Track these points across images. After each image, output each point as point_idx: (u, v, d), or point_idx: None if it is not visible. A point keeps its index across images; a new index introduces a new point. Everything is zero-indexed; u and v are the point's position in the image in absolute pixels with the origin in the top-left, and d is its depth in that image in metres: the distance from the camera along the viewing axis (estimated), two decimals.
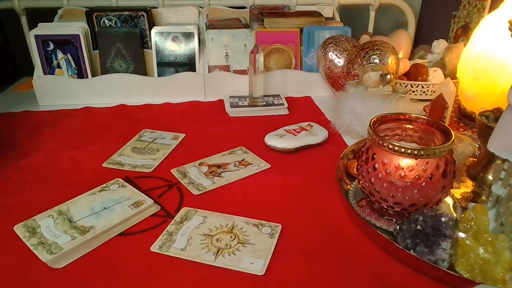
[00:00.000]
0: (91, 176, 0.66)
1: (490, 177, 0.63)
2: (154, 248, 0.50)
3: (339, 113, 0.78)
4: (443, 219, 0.46)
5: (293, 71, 1.02)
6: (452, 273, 0.44)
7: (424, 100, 0.95)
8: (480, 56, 0.77)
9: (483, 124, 0.61)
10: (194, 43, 0.97)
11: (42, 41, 0.92)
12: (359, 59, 0.84)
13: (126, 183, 0.62)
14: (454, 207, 0.57)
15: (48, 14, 1.06)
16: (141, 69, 0.99)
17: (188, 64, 0.99)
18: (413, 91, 0.96)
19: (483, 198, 0.60)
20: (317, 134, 0.76)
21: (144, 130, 0.82)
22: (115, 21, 0.98)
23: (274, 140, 0.74)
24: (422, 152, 0.47)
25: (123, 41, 0.96)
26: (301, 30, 1.00)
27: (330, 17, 1.13)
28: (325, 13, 1.09)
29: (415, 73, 0.97)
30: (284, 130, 0.77)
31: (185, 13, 1.07)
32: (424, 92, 0.96)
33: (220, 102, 0.97)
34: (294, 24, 1.01)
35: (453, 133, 0.50)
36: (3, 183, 0.64)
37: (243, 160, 0.71)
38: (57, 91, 0.94)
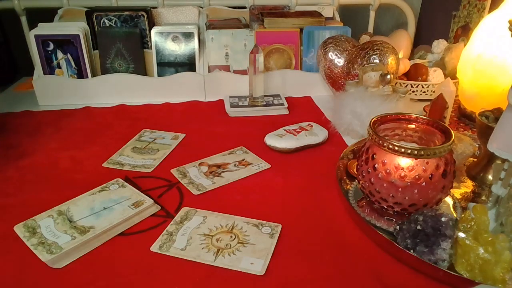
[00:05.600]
0: (91, 176, 0.66)
1: (490, 177, 0.63)
2: (154, 248, 0.50)
3: (339, 113, 0.78)
4: (443, 219, 0.46)
5: (293, 71, 1.02)
6: (452, 273, 0.44)
7: (424, 100, 0.95)
8: (480, 56, 0.77)
9: (483, 124, 0.61)
10: (194, 43, 0.97)
11: (42, 41, 0.92)
12: (359, 59, 0.84)
13: (126, 183, 0.62)
14: (454, 207, 0.57)
15: (48, 14, 1.06)
16: (141, 69, 0.99)
17: (188, 64, 0.99)
18: (413, 91, 0.96)
19: (483, 198, 0.60)
20: (317, 134, 0.76)
21: (144, 130, 0.82)
22: (115, 21, 0.98)
23: (274, 140, 0.74)
24: (422, 152, 0.47)
25: (123, 41, 0.96)
26: (301, 30, 1.00)
27: (330, 17, 1.13)
28: (325, 13, 1.09)
29: (415, 73, 0.97)
30: (284, 130, 0.77)
31: (185, 13, 1.07)
32: (424, 92, 0.96)
33: (220, 102, 0.97)
34: (294, 24, 1.01)
35: (453, 133, 0.50)
36: (3, 183, 0.64)
37: (243, 160, 0.71)
38: (57, 91, 0.94)
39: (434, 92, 0.94)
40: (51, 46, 0.93)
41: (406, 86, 0.95)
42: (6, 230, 0.53)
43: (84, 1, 1.09)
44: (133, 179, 0.65)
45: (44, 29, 0.93)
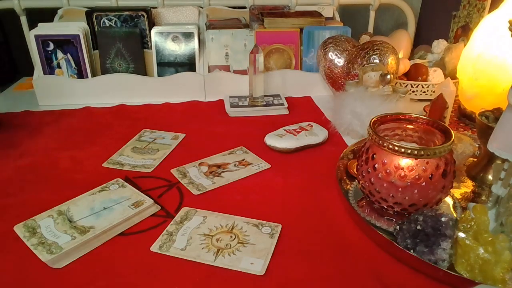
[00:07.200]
0: (91, 176, 0.66)
1: (490, 177, 0.63)
2: (154, 248, 0.50)
3: (339, 113, 0.78)
4: (443, 219, 0.46)
5: (293, 71, 1.02)
6: (452, 273, 0.44)
7: (424, 100, 0.95)
8: (480, 56, 0.77)
9: (483, 124, 0.61)
10: (194, 43, 0.97)
11: (42, 41, 0.92)
12: (359, 59, 0.84)
13: (126, 183, 0.62)
14: (454, 207, 0.57)
15: (48, 14, 1.06)
16: (141, 69, 0.99)
17: (188, 64, 0.99)
18: (413, 91, 0.96)
19: (483, 198, 0.60)
20: (317, 134, 0.76)
21: (144, 130, 0.82)
22: (115, 21, 0.98)
23: (274, 140, 0.74)
24: (422, 152, 0.47)
25: (123, 41, 0.96)
26: (301, 30, 1.00)
27: (330, 17, 1.13)
28: (325, 13, 1.09)
29: (415, 73, 0.97)
30: (284, 130, 0.77)
31: (185, 13, 1.07)
32: (424, 92, 0.96)
33: (220, 102, 0.97)
34: (294, 24, 1.01)
35: (453, 133, 0.50)
36: (3, 183, 0.64)
37: (243, 160, 0.71)
38: (57, 91, 0.94)
39: (434, 92, 0.93)
40: (51, 46, 0.93)
41: (406, 86, 0.95)
42: (6, 230, 0.53)
43: (84, 1, 1.09)
44: (133, 179, 0.65)
45: (44, 29, 0.93)
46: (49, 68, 0.95)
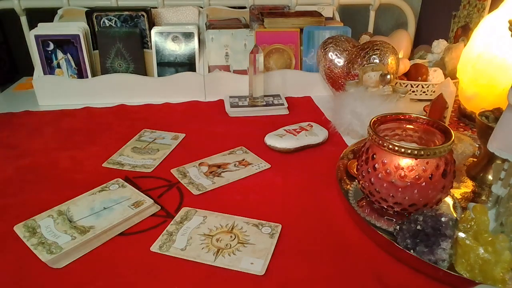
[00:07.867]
0: (91, 176, 0.66)
1: (490, 177, 0.63)
2: (154, 248, 0.50)
3: (339, 113, 0.78)
4: (443, 219, 0.46)
5: (293, 71, 1.02)
6: (452, 273, 0.44)
7: (424, 100, 0.95)
8: (480, 56, 0.77)
9: (483, 124, 0.61)
10: (194, 43, 0.97)
11: (42, 41, 0.92)
12: (359, 59, 0.84)
13: (126, 183, 0.62)
14: (454, 207, 0.57)
15: (48, 14, 1.06)
16: (141, 69, 0.99)
17: (188, 64, 0.99)
18: (413, 91, 0.96)
19: (483, 198, 0.60)
20: (317, 134, 0.76)
21: (144, 130, 0.82)
22: (115, 21, 0.98)
23: (274, 140, 0.74)
24: (422, 152, 0.47)
25: (123, 41, 0.96)
26: (301, 30, 1.00)
27: (330, 17, 1.13)
28: (325, 13, 1.09)
29: (415, 73, 0.97)
30: (284, 130, 0.77)
31: (185, 13, 1.07)
32: (424, 92, 0.96)
33: (220, 102, 0.97)
34: (294, 24, 1.01)
35: (453, 133, 0.50)
36: (3, 183, 0.64)
37: (243, 160, 0.71)
38: (57, 91, 0.94)
39: (434, 92, 0.94)
40: (51, 46, 0.93)
41: (406, 86, 0.95)
42: (6, 230, 0.53)
43: (84, 1, 1.09)
44: (133, 179, 0.65)
45: (44, 29, 0.93)
46: (49, 68, 0.95)
